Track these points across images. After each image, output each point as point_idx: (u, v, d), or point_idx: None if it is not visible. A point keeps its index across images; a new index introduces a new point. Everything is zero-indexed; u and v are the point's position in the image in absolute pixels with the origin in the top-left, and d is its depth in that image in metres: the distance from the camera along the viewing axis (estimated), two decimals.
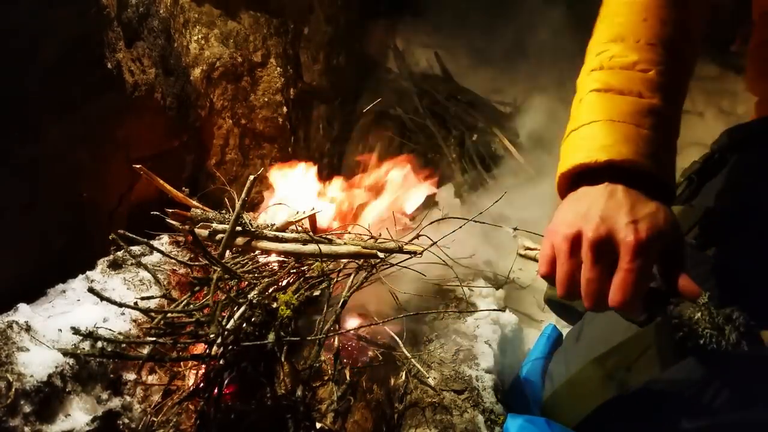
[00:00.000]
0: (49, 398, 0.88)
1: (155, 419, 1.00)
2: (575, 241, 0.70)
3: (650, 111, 0.75)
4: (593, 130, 0.76)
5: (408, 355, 1.15)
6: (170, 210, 1.29)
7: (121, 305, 0.96)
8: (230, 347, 1.00)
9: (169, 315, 1.02)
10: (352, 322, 1.25)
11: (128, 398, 0.99)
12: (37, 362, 0.89)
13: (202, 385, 1.02)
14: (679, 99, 0.81)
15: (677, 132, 0.79)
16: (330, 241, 1.23)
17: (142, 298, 1.09)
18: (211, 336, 0.98)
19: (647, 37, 0.80)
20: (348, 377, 1.11)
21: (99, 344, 0.96)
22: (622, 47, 0.81)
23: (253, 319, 1.08)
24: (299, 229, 1.34)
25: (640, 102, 0.75)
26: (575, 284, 0.70)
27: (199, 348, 1.08)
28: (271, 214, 1.48)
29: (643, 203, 0.70)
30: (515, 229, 0.97)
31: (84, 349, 0.95)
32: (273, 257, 1.29)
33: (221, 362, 1.00)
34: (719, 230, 0.94)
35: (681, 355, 0.79)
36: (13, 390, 0.84)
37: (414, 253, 1.22)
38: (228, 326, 1.02)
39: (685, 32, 0.83)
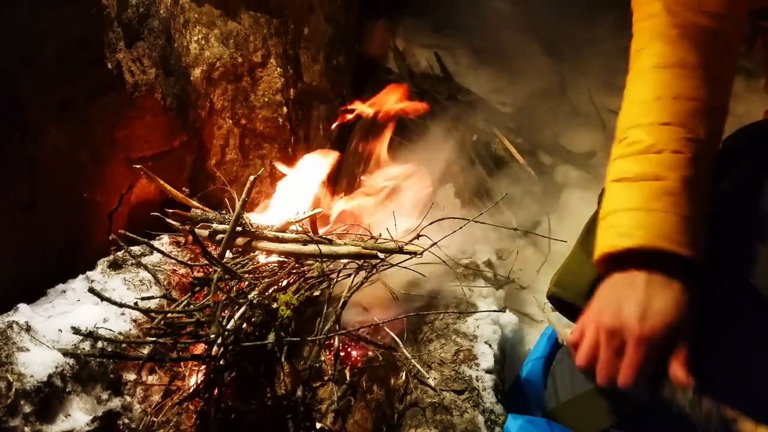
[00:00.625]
0: (49, 398, 0.88)
1: (155, 419, 1.00)
2: (597, 327, 0.82)
3: (664, 192, 0.81)
4: (615, 219, 0.85)
5: (408, 355, 1.15)
6: (170, 210, 1.29)
7: (121, 305, 0.96)
8: (230, 347, 1.00)
9: (169, 315, 1.02)
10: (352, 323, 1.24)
11: (128, 398, 0.99)
12: (38, 362, 0.89)
13: (202, 385, 1.02)
14: (701, 167, 0.85)
15: (698, 202, 0.83)
16: (330, 242, 1.23)
17: (143, 299, 1.09)
18: (212, 336, 0.98)
19: (660, 118, 0.85)
20: (348, 377, 1.11)
21: (99, 344, 0.96)
22: (638, 131, 0.87)
23: (253, 320, 1.08)
24: (299, 229, 1.33)
25: (653, 186, 0.83)
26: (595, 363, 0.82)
27: (200, 348, 1.08)
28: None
29: (659, 294, 0.78)
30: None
31: (84, 349, 0.95)
32: (273, 257, 1.29)
33: (221, 362, 1.00)
34: (730, 238, 0.94)
35: None
36: (14, 390, 0.84)
37: (414, 254, 1.22)
38: (228, 326, 1.01)
39: (703, 96, 0.86)
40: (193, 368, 1.08)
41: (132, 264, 1.21)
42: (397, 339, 1.17)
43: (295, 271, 1.25)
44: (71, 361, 0.93)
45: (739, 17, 0.93)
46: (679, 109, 0.86)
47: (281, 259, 1.28)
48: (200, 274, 1.21)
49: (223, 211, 1.34)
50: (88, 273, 1.18)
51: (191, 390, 1.03)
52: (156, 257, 1.26)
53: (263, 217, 1.50)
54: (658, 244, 0.78)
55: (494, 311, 1.30)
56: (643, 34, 0.95)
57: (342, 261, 1.25)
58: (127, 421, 0.97)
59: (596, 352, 0.82)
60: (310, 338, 1.09)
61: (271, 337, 1.02)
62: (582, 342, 0.84)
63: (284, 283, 1.22)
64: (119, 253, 1.23)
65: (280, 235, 1.24)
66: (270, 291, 1.17)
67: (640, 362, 0.77)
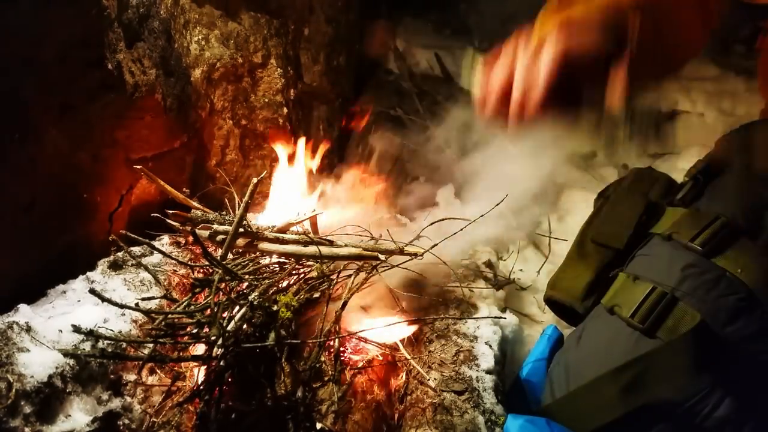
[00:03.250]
0: (49, 399, 0.88)
1: (156, 420, 1.00)
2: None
3: None
4: None
5: (408, 356, 1.15)
6: (171, 211, 1.29)
7: (121, 306, 0.96)
8: (231, 348, 1.00)
9: (170, 316, 1.02)
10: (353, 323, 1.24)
11: (129, 399, 0.99)
12: (38, 363, 0.89)
13: (202, 386, 1.02)
14: None
15: None
16: (331, 243, 1.23)
17: (143, 299, 1.09)
18: (212, 337, 0.98)
19: None
20: (348, 378, 1.11)
21: (99, 344, 0.96)
22: None
23: (253, 321, 1.08)
24: (300, 230, 1.33)
25: None
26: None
27: (200, 349, 1.08)
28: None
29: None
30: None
31: (84, 349, 0.95)
32: (274, 258, 1.29)
33: (222, 363, 1.00)
34: (729, 236, 0.95)
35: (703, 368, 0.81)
36: (14, 390, 0.84)
37: (415, 255, 1.22)
38: (229, 327, 1.01)
39: None
40: (194, 369, 1.08)
41: (132, 264, 1.21)
42: (398, 341, 1.17)
43: (295, 272, 1.25)
44: (71, 361, 0.93)
45: None
46: None
47: (282, 260, 1.28)
48: (200, 275, 1.21)
49: (224, 212, 1.35)
50: (88, 273, 1.18)
51: (191, 391, 1.03)
52: (156, 258, 1.26)
53: (264, 217, 1.50)
54: None
55: (497, 317, 1.29)
56: None
57: (342, 262, 1.25)
58: (127, 421, 0.97)
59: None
60: (310, 340, 1.09)
61: (272, 338, 1.02)
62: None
63: (284, 284, 1.22)
64: (119, 254, 1.23)
65: (281, 236, 1.24)
66: (270, 292, 1.17)
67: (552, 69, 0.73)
